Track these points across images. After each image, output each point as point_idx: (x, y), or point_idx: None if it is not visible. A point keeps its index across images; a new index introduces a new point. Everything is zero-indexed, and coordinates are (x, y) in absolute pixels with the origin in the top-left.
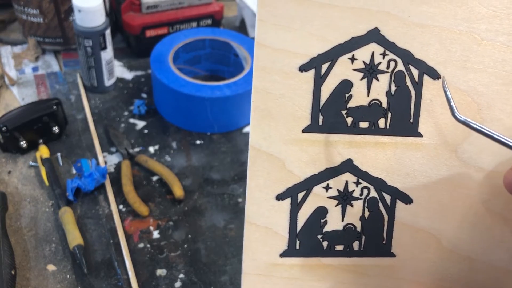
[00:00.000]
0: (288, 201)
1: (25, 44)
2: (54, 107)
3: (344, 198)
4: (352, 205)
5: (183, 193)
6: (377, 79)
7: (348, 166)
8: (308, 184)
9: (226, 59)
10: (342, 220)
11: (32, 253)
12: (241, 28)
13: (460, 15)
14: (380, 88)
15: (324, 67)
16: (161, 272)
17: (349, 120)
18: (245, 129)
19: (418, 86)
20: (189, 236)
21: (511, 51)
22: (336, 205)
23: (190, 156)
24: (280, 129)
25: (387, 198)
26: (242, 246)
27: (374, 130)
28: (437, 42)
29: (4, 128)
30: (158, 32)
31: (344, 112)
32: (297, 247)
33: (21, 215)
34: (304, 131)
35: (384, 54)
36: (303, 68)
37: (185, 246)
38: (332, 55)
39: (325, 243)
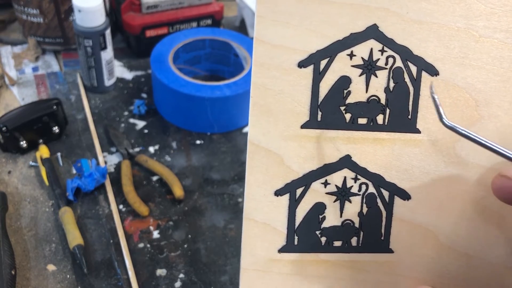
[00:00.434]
0: (286, 197)
1: (25, 44)
2: (54, 107)
3: (343, 194)
4: (350, 201)
5: (183, 193)
6: (376, 76)
7: (346, 162)
8: (306, 180)
9: (226, 59)
10: (341, 216)
11: (32, 253)
12: (241, 28)
13: (458, 12)
14: (379, 85)
15: (323, 63)
16: (161, 272)
17: (348, 116)
18: (245, 129)
19: (417, 82)
20: (189, 236)
21: (509, 48)
22: (335, 201)
23: (190, 156)
24: (279, 125)
25: (385, 194)
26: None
27: (372, 126)
28: (435, 38)
29: (4, 128)
30: (158, 32)
31: (342, 108)
32: (296, 242)
33: (21, 215)
34: (302, 127)
35: (382, 51)
36: (302, 64)
37: (185, 246)
38: (330, 51)
39: (323, 239)
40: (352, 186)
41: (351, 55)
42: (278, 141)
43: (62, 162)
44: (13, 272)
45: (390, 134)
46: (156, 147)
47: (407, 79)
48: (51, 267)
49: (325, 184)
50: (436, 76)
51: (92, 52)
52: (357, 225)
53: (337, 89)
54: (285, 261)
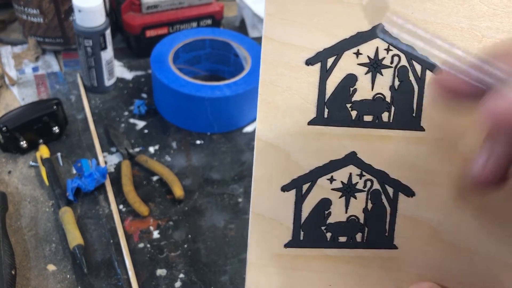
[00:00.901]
0: (293, 193)
1: (25, 44)
2: (54, 107)
3: (348, 190)
4: (355, 197)
5: (183, 193)
6: (381, 74)
7: (352, 158)
8: (312, 176)
9: (226, 59)
10: (346, 212)
11: (32, 253)
12: (241, 28)
13: (462, 12)
14: (384, 83)
15: (330, 61)
16: (161, 272)
17: (354, 113)
18: (245, 129)
19: (421, 81)
20: (189, 236)
21: None
22: (340, 197)
23: (190, 156)
24: (286, 121)
25: (390, 190)
26: (242, 246)
27: (377, 123)
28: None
29: (4, 128)
30: (158, 32)
31: (348, 105)
32: (301, 238)
33: (21, 215)
34: (309, 123)
35: (388, 50)
36: (309, 62)
37: (185, 246)
38: (337, 50)
39: (328, 234)
40: (357, 182)
41: (358, 54)
42: (285, 137)
43: (62, 162)
44: (13, 272)
45: (395, 131)
46: (156, 147)
47: (411, 78)
48: (51, 267)
49: (331, 180)
50: None
51: (92, 52)
52: (362, 221)
53: (344, 87)
54: (291, 256)
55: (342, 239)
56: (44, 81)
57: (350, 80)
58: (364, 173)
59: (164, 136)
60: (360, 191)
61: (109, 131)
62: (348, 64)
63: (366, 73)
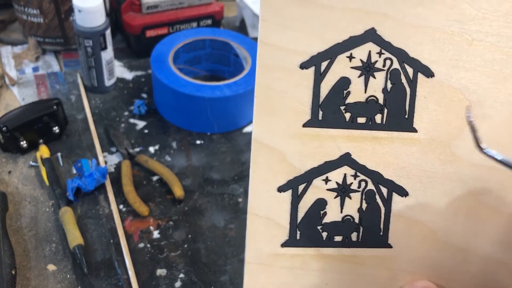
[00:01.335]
0: (289, 193)
1: (25, 44)
2: (55, 107)
3: (343, 191)
4: (350, 197)
5: (183, 193)
6: (374, 77)
7: (346, 159)
8: (308, 177)
9: (226, 59)
10: (341, 212)
11: (32, 253)
12: (241, 28)
13: (452, 16)
14: (377, 85)
15: (324, 64)
16: (161, 272)
17: (347, 115)
18: (245, 129)
19: (413, 83)
20: (189, 236)
21: (500, 51)
22: (335, 197)
23: (190, 156)
24: (282, 123)
25: (384, 190)
26: (242, 246)
27: (371, 125)
28: (430, 42)
29: (4, 128)
30: (158, 32)
31: (342, 107)
32: (298, 237)
33: (21, 215)
34: (304, 125)
35: (380, 53)
36: (303, 66)
37: (185, 246)
38: (331, 54)
39: (324, 234)
40: (352, 182)
41: (351, 57)
42: (281, 139)
43: (62, 162)
44: (13, 272)
45: (388, 133)
46: (156, 147)
47: (404, 80)
48: (51, 267)
49: (326, 180)
50: (431, 77)
51: (92, 52)
52: (357, 220)
53: (337, 90)
54: (288, 255)
55: (338, 238)
56: (44, 81)
57: (343, 83)
58: (358, 173)
59: (164, 136)
60: (355, 191)
61: (109, 131)
62: (341, 67)
63: (359, 76)
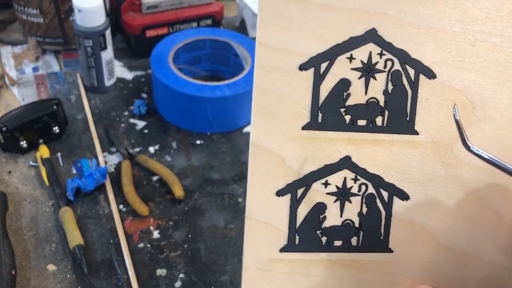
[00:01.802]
0: (288, 197)
1: (25, 44)
2: (54, 107)
3: (343, 194)
4: (350, 201)
5: (183, 193)
6: (375, 78)
7: (346, 163)
8: (307, 181)
9: (226, 59)
10: (341, 216)
11: (32, 253)
12: (241, 28)
13: (454, 16)
14: (378, 87)
15: (323, 66)
16: (161, 272)
17: (348, 118)
18: (245, 129)
19: (414, 85)
20: (189, 236)
21: (504, 51)
22: (335, 201)
23: (190, 156)
24: (281, 126)
25: (385, 194)
26: (242, 246)
27: (371, 128)
28: (432, 42)
29: (4, 128)
30: (158, 32)
31: (342, 110)
32: (297, 242)
33: (21, 215)
34: (303, 128)
35: (381, 54)
36: (302, 67)
37: (185, 246)
38: (330, 55)
39: (324, 239)
40: (352, 186)
41: (351, 58)
42: (279, 142)
43: (62, 162)
44: (13, 272)
45: (389, 135)
46: (156, 147)
47: (405, 82)
48: (51, 267)
49: (326, 184)
50: (433, 79)
51: (92, 52)
52: (357, 225)
53: (337, 92)
54: (287, 260)
55: (338, 243)
56: (44, 81)
57: (343, 84)
58: (358, 177)
59: (164, 136)
60: (355, 195)
61: (109, 131)
62: (341, 69)
63: (359, 78)
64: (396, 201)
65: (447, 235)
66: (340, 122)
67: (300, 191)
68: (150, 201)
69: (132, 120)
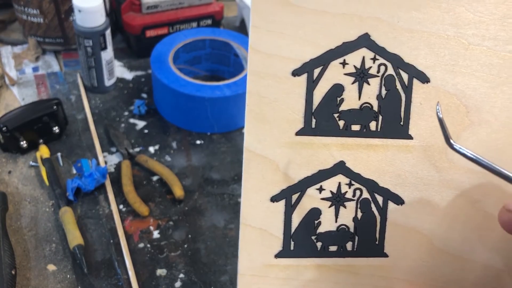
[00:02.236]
0: (282, 203)
1: (25, 44)
2: (54, 107)
3: (337, 200)
4: (345, 206)
5: (183, 193)
6: (368, 83)
7: (340, 168)
8: (301, 186)
9: (226, 59)
10: (336, 221)
11: (32, 253)
12: (241, 28)
13: (447, 20)
14: (371, 92)
15: (316, 71)
16: (161, 272)
17: (341, 123)
18: None
19: (408, 89)
20: (189, 236)
21: (497, 55)
22: (330, 207)
23: (190, 156)
24: (274, 132)
25: (379, 199)
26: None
27: (365, 132)
28: (425, 46)
29: (4, 128)
30: (158, 32)
31: (336, 115)
32: (292, 248)
33: (21, 215)
34: (297, 134)
35: (374, 59)
36: (295, 73)
37: (185, 246)
38: (324, 60)
39: (319, 244)
40: (346, 191)
41: (344, 64)
42: (273, 148)
43: (62, 162)
44: (13, 272)
45: (383, 140)
46: (156, 147)
47: (398, 87)
48: (51, 267)
49: (320, 190)
50: (427, 83)
51: (92, 52)
52: (352, 230)
53: (331, 97)
54: (282, 266)
55: (333, 248)
56: (44, 81)
57: (337, 90)
58: (353, 182)
59: (164, 136)
60: (350, 200)
61: (109, 131)
62: (334, 74)
63: (353, 83)
64: (391, 205)
65: (442, 238)
66: (334, 127)
67: (294, 197)
68: (150, 201)
69: (132, 120)
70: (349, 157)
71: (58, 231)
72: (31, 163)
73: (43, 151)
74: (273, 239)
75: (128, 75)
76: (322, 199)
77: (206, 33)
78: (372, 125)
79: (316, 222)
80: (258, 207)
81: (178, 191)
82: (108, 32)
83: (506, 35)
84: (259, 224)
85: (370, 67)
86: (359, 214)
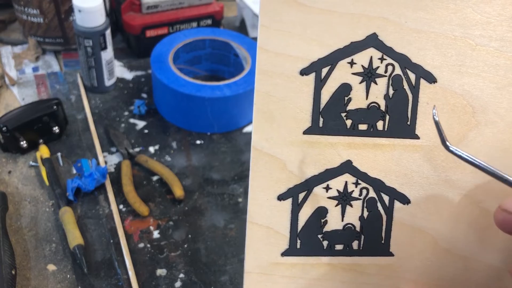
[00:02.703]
0: (289, 201)
1: (25, 44)
2: (55, 107)
3: (344, 199)
4: (351, 205)
5: (183, 193)
6: (376, 83)
7: (347, 167)
8: (308, 185)
9: (226, 59)
10: (342, 220)
11: (32, 253)
12: (241, 28)
13: (455, 21)
14: (379, 92)
15: (324, 71)
16: (161, 272)
17: (349, 122)
18: (245, 129)
19: (415, 89)
20: (189, 236)
21: (504, 56)
22: (336, 205)
23: (190, 156)
24: (282, 131)
25: (386, 198)
26: (242, 246)
27: (372, 132)
28: (433, 47)
29: (4, 128)
30: (158, 32)
31: (343, 114)
32: (298, 246)
33: (21, 215)
34: (305, 133)
35: (382, 59)
36: (303, 72)
37: (185, 246)
38: (331, 59)
39: (325, 243)
40: (353, 190)
41: (352, 63)
42: (281, 147)
43: (62, 162)
44: (13, 272)
45: (389, 139)
46: (156, 147)
47: (406, 86)
48: (51, 267)
49: (327, 188)
50: (434, 83)
51: (92, 52)
52: (358, 229)
53: (338, 96)
54: (288, 264)
55: (339, 247)
56: (44, 81)
57: (344, 89)
58: (359, 181)
59: (164, 136)
60: (356, 199)
61: (109, 131)
62: (342, 73)
63: (360, 82)
64: (397, 205)
65: (447, 238)
66: (341, 126)
67: (301, 196)
68: (150, 201)
69: (132, 120)
70: (356, 156)
71: (58, 231)
72: (31, 163)
73: (43, 151)
74: (279, 237)
75: (128, 75)
76: (329, 198)
77: (206, 33)
78: (379, 125)
79: (322, 220)
80: (264, 205)
81: (178, 191)
82: (108, 32)
83: None
84: (266, 222)
85: (378, 67)
86: (365, 213)
